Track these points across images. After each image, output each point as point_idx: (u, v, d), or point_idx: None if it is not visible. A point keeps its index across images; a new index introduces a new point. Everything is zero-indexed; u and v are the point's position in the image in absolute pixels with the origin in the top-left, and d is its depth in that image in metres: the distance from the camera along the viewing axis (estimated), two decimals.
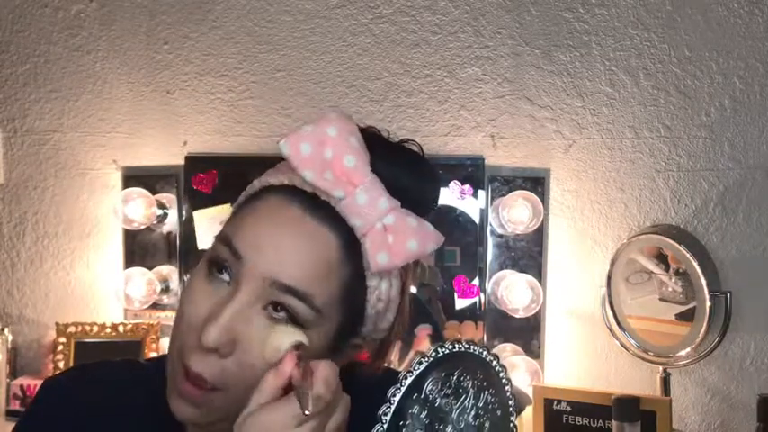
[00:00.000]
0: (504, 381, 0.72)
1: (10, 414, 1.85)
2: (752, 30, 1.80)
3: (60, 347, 1.85)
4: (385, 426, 0.64)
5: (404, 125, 1.91)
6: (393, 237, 0.76)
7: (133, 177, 1.94)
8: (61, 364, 1.84)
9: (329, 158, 0.74)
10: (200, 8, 1.94)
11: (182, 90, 1.95)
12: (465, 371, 0.68)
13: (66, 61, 1.98)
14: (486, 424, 0.69)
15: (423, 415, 0.65)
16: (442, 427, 0.67)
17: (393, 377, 0.95)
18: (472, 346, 0.69)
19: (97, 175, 1.97)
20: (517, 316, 1.83)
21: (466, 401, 0.68)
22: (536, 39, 1.87)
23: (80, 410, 0.80)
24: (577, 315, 1.86)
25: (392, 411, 0.64)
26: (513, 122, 1.89)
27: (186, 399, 0.73)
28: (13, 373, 1.92)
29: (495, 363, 0.71)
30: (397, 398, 0.64)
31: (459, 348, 0.68)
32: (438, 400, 0.66)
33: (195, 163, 1.92)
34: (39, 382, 1.83)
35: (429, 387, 0.66)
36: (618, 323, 1.79)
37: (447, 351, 0.67)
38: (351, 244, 0.75)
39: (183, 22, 1.95)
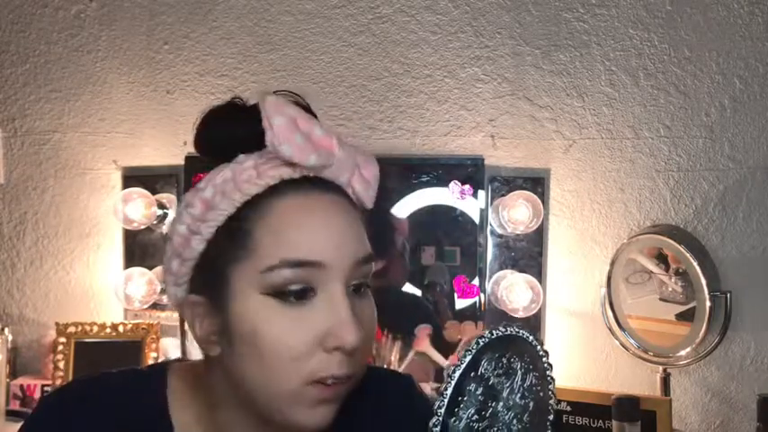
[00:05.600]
0: (546, 365, 0.77)
1: (10, 414, 1.85)
2: (752, 30, 1.80)
3: (60, 347, 1.85)
4: (446, 400, 0.68)
5: (404, 125, 1.91)
6: (365, 170, 0.80)
7: (133, 177, 1.94)
8: (61, 365, 1.84)
9: (311, 137, 0.76)
10: (201, 8, 1.94)
11: (182, 90, 1.95)
12: (515, 353, 0.73)
13: (66, 61, 1.98)
14: (531, 404, 0.75)
15: (478, 392, 0.70)
16: (494, 404, 0.72)
17: (396, 379, 0.95)
18: (521, 331, 0.74)
19: (97, 175, 1.97)
20: (517, 316, 1.83)
21: (515, 382, 0.74)
22: (536, 39, 1.88)
23: (79, 427, 0.79)
24: (577, 315, 1.86)
25: (452, 387, 0.68)
26: (513, 122, 1.89)
27: (332, 401, 0.74)
28: (13, 373, 1.91)
29: (539, 347, 0.76)
30: (457, 374, 0.69)
31: (511, 332, 0.73)
32: (492, 378, 0.72)
33: (195, 163, 1.89)
34: (39, 382, 1.86)
35: (485, 366, 0.71)
36: (618, 323, 1.79)
37: (500, 333, 0.72)
38: (349, 197, 0.79)
39: (183, 22, 1.95)
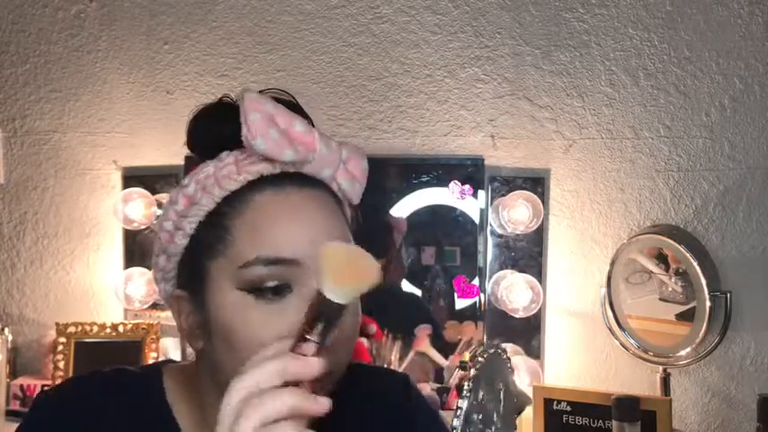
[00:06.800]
0: (509, 368, 0.77)
1: (10, 414, 1.85)
2: (752, 30, 1.80)
3: (60, 347, 1.85)
4: None
5: (404, 125, 1.91)
6: (350, 165, 0.80)
7: (133, 177, 1.94)
8: (61, 365, 1.84)
9: (289, 133, 0.75)
10: (201, 8, 1.94)
11: (182, 90, 1.95)
12: (496, 373, 0.73)
13: (66, 61, 1.98)
14: (503, 411, 0.76)
15: (479, 420, 0.71)
16: (488, 430, 0.73)
17: (392, 377, 0.95)
18: (498, 348, 0.75)
19: (97, 175, 1.97)
20: (517, 316, 1.83)
21: (499, 405, 0.74)
22: (536, 39, 1.88)
23: (74, 427, 0.79)
24: (577, 315, 1.86)
25: (461, 420, 0.69)
26: (513, 122, 1.89)
27: None
28: (13, 373, 1.91)
29: (505, 356, 0.77)
30: (465, 405, 0.69)
31: (494, 350, 0.74)
32: (487, 404, 0.72)
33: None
34: (39, 382, 1.86)
35: (482, 393, 0.71)
36: (618, 323, 1.79)
37: (490, 353, 0.73)
38: (332, 192, 0.79)
39: (183, 22, 1.95)
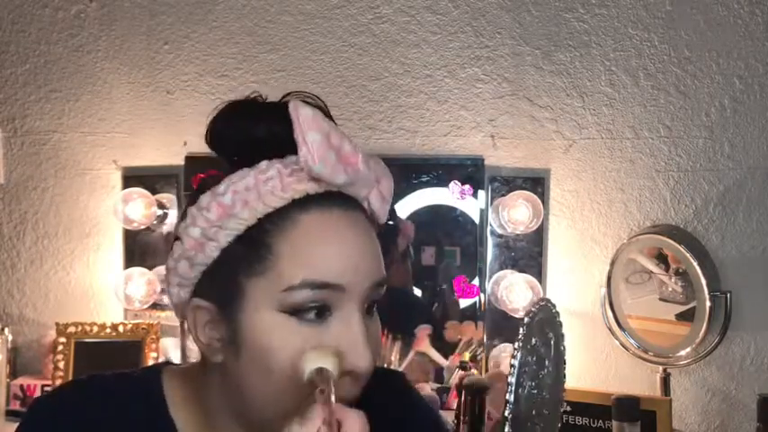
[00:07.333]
0: (562, 334, 0.83)
1: (10, 414, 1.85)
2: (752, 30, 1.80)
3: (60, 347, 1.85)
4: (515, 375, 0.76)
5: (404, 125, 1.91)
6: (382, 185, 0.78)
7: (133, 177, 1.94)
8: (61, 365, 1.84)
9: (340, 153, 0.73)
10: (201, 8, 1.94)
11: (182, 90, 1.95)
12: (547, 323, 0.80)
13: (66, 61, 1.98)
14: (555, 371, 0.81)
15: (533, 362, 0.77)
16: (541, 372, 0.80)
17: (390, 376, 0.95)
18: (548, 301, 0.81)
19: (97, 175, 1.97)
20: (517, 316, 1.83)
21: (551, 351, 0.79)
22: (536, 39, 1.88)
23: (72, 430, 0.79)
24: (577, 315, 1.86)
25: (518, 361, 0.74)
26: (513, 122, 1.89)
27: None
28: (13, 373, 1.91)
29: (558, 316, 0.83)
30: (520, 352, 0.77)
31: (546, 303, 0.82)
32: (540, 348, 0.78)
33: (195, 163, 1.92)
34: (39, 382, 1.86)
35: (535, 338, 0.78)
36: (618, 323, 1.79)
37: (542, 305, 0.80)
38: (366, 213, 0.77)
39: (183, 22, 1.95)
